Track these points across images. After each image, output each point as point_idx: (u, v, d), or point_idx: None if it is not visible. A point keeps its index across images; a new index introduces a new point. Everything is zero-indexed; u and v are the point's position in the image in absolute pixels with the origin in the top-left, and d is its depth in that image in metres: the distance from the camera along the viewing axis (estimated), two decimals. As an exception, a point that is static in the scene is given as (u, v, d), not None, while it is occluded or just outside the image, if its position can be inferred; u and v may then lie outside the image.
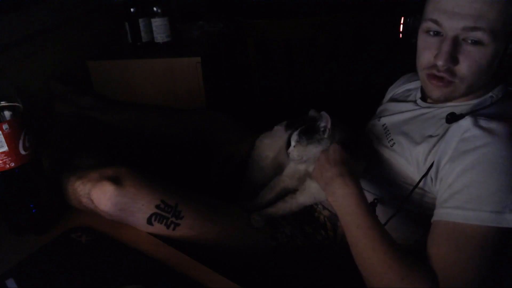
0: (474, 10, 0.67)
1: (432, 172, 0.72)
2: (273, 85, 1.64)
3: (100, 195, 0.76)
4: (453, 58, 0.70)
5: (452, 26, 0.69)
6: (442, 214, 0.66)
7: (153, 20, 1.39)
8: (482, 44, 0.68)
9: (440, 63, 0.71)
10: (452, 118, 0.72)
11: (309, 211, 0.93)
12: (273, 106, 1.64)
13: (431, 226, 0.68)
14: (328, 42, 1.45)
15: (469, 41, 0.69)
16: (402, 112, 0.88)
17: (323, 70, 1.51)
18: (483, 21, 0.67)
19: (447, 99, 0.77)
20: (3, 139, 0.67)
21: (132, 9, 1.38)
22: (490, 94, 0.74)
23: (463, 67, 0.71)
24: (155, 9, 1.38)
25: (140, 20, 1.39)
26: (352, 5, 1.61)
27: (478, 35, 0.68)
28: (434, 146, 0.73)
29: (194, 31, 1.60)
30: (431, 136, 0.75)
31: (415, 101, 0.87)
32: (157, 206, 0.78)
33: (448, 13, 0.69)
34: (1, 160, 0.68)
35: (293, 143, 0.84)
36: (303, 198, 0.90)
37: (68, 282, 0.67)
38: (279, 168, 0.99)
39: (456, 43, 0.70)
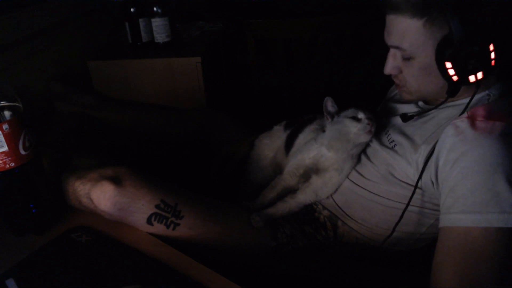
0: (396, 30, 0.72)
1: (431, 174, 0.72)
2: (273, 85, 1.63)
3: (100, 195, 0.76)
4: (397, 68, 0.77)
5: (387, 42, 0.76)
6: (449, 219, 0.66)
7: (153, 20, 1.39)
8: (412, 58, 0.72)
9: (385, 72, 0.79)
10: (405, 117, 0.80)
11: (309, 211, 0.93)
12: (273, 106, 1.64)
13: (439, 233, 0.68)
14: (328, 42, 1.45)
15: (402, 56, 0.74)
16: (404, 113, 0.88)
17: (323, 70, 1.51)
18: (405, 41, 0.71)
19: (419, 99, 0.81)
20: (3, 139, 0.67)
21: (132, 9, 1.38)
22: (487, 92, 0.74)
23: (406, 76, 0.77)
24: (155, 9, 1.38)
25: (140, 20, 1.39)
26: (352, 5, 1.60)
27: (404, 53, 0.73)
28: (433, 147, 0.73)
29: (194, 31, 1.60)
30: (430, 137, 0.75)
31: (416, 103, 0.87)
32: (157, 206, 0.78)
33: (386, 30, 0.75)
34: (1, 160, 0.68)
35: (362, 115, 0.84)
36: (303, 196, 0.90)
37: (68, 282, 0.67)
38: (278, 168, 0.99)
39: (395, 55, 0.76)
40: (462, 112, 0.71)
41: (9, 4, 1.06)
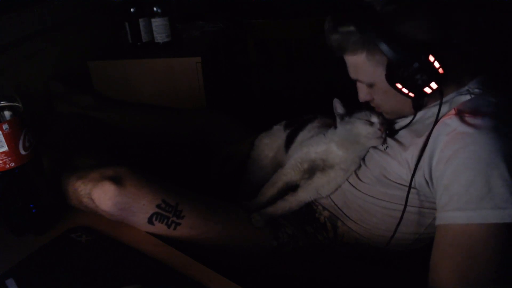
0: (351, 67, 0.79)
1: (425, 174, 0.72)
2: (273, 85, 1.63)
3: (101, 195, 0.76)
4: (369, 95, 0.82)
5: (350, 76, 0.81)
6: (444, 217, 0.66)
7: (153, 20, 1.39)
8: (374, 85, 0.77)
9: (360, 101, 0.84)
10: (391, 133, 0.83)
11: (309, 212, 0.93)
12: (273, 106, 1.64)
13: (436, 231, 0.68)
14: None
15: (366, 86, 0.79)
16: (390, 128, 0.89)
17: (323, 70, 1.51)
18: (360, 74, 0.78)
19: (397, 117, 0.84)
20: (3, 139, 0.67)
21: (132, 9, 1.38)
22: (466, 88, 0.74)
23: (377, 101, 0.82)
24: (155, 9, 1.38)
25: (140, 20, 1.40)
26: (352, 5, 1.60)
27: (364, 81, 0.79)
28: (422, 147, 0.73)
29: (194, 31, 1.60)
30: (417, 138, 0.75)
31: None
32: (158, 206, 0.78)
33: (347, 66, 0.80)
34: (1, 160, 0.68)
35: (376, 120, 0.84)
36: (304, 194, 0.90)
37: (68, 282, 0.67)
38: (278, 168, 0.99)
39: (362, 85, 0.81)
40: (436, 120, 0.71)
41: (9, 4, 1.06)
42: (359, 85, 0.82)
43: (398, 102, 0.77)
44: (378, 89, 0.78)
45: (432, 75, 0.67)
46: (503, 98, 0.71)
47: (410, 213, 0.78)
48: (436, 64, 0.66)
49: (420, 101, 0.73)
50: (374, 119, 0.84)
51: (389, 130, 0.84)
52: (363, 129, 0.84)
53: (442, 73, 0.67)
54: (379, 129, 0.83)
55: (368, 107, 0.87)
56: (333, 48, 0.79)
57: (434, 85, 0.68)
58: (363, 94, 0.82)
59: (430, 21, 0.69)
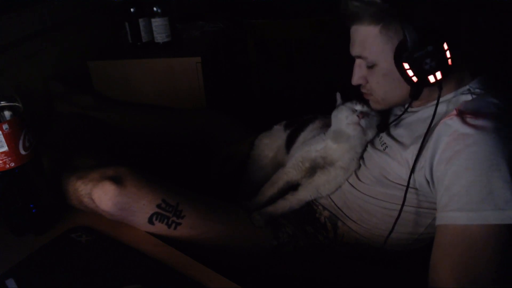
0: (358, 40, 0.77)
1: (426, 173, 0.72)
2: (273, 85, 1.63)
3: (101, 195, 0.76)
4: (363, 78, 0.80)
5: (351, 54, 0.79)
6: (444, 218, 0.66)
7: (153, 20, 1.39)
8: (375, 65, 0.76)
9: (352, 83, 0.82)
10: (381, 128, 0.84)
11: (310, 212, 0.93)
12: (273, 106, 1.64)
13: (436, 231, 0.68)
14: (328, 42, 1.45)
15: (366, 65, 0.78)
16: (392, 115, 0.89)
17: (323, 70, 1.51)
18: (366, 49, 0.75)
19: (386, 107, 0.83)
20: (3, 139, 0.67)
21: (132, 9, 1.38)
22: (468, 87, 0.74)
23: (371, 85, 0.79)
24: (155, 9, 1.38)
25: (140, 20, 1.40)
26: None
27: (367, 61, 0.76)
28: (422, 147, 0.73)
29: (194, 31, 1.60)
30: (418, 137, 0.75)
31: (403, 105, 0.87)
32: (158, 206, 0.78)
33: (350, 43, 0.79)
34: (1, 160, 0.68)
35: (359, 108, 0.84)
36: (305, 193, 0.90)
37: (68, 282, 0.67)
38: (278, 167, 0.99)
39: (360, 66, 0.79)
40: (434, 114, 0.71)
41: (9, 4, 1.06)
42: (357, 64, 0.80)
43: (393, 89, 0.77)
44: (378, 70, 0.76)
45: (441, 63, 0.67)
46: (504, 99, 0.71)
47: (408, 213, 0.78)
48: (448, 54, 0.66)
49: (419, 89, 0.73)
50: (358, 106, 0.85)
51: (381, 124, 0.84)
52: (344, 114, 0.85)
53: (449, 65, 0.67)
54: (358, 115, 0.83)
55: (360, 96, 0.87)
56: (347, 15, 0.76)
57: (439, 75, 0.68)
58: (357, 76, 0.81)
59: (451, 9, 0.69)
